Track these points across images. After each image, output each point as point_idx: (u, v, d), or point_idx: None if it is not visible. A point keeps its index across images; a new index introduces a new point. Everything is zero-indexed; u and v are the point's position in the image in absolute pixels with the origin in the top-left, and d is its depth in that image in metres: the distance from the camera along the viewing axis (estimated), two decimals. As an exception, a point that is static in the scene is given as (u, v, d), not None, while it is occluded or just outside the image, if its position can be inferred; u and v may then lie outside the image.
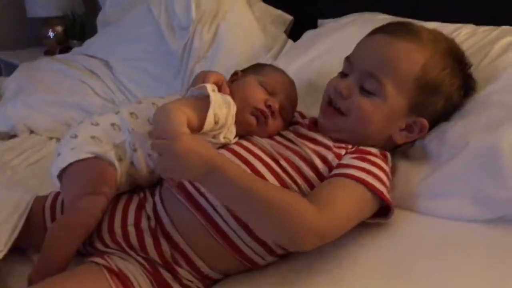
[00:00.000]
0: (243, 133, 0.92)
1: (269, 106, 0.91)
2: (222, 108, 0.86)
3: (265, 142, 0.88)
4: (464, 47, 1.00)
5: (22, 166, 1.23)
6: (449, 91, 0.87)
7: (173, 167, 0.73)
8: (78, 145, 0.86)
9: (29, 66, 1.62)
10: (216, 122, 0.84)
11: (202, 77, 0.92)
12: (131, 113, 0.91)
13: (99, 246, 0.83)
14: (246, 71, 1.01)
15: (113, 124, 0.90)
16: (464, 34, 1.06)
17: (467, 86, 0.90)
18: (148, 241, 0.81)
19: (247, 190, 0.72)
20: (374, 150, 0.85)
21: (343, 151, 0.84)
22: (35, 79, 1.49)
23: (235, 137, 0.90)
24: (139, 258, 0.81)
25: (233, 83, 0.96)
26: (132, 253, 0.81)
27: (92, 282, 0.75)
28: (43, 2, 2.40)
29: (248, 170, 0.80)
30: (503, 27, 1.07)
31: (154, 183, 0.91)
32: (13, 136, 1.37)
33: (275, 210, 0.71)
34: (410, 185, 0.87)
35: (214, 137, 0.87)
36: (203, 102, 0.84)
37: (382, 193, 0.77)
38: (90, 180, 0.83)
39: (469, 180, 0.81)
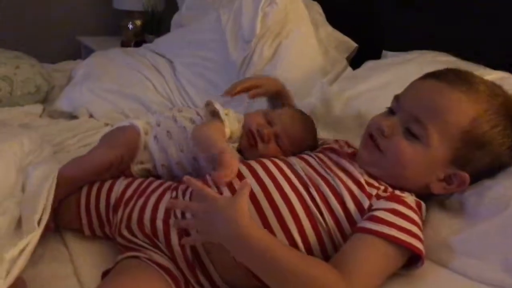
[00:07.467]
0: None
1: (258, 131, 1.03)
2: (234, 124, 1.03)
3: (297, 164, 0.88)
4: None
5: (75, 146, 1.29)
6: (498, 150, 0.81)
7: (202, 225, 0.75)
8: (128, 119, 1.14)
9: (100, 54, 1.72)
10: (230, 137, 1.01)
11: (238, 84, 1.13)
12: (170, 109, 1.19)
13: (126, 234, 0.87)
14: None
15: (153, 113, 1.21)
16: (530, 90, 1.00)
17: (519, 147, 0.84)
18: (174, 238, 0.83)
19: (272, 260, 0.70)
20: (409, 200, 0.81)
21: (374, 191, 0.81)
22: (103, 68, 1.57)
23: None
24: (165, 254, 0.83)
25: None
26: (160, 246, 0.84)
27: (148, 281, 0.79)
28: (129, -4, 2.57)
29: (277, 191, 0.81)
30: None
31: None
32: (74, 117, 1.46)
33: (300, 283, 0.69)
34: (440, 236, 0.83)
35: None
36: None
37: (421, 251, 0.74)
38: (116, 138, 1.05)
39: (502, 245, 0.76)
